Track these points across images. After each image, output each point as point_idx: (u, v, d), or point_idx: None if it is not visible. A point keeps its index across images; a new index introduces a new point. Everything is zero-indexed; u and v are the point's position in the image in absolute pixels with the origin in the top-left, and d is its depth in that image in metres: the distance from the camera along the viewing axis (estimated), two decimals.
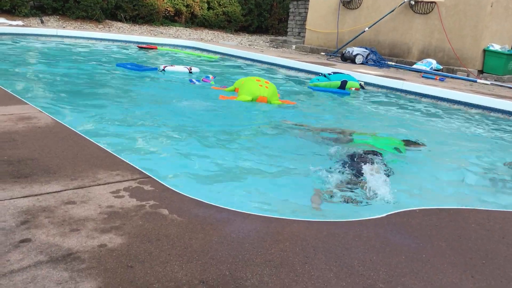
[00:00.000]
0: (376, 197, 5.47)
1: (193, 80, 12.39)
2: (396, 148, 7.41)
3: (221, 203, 4.69)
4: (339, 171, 6.10)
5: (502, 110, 12.05)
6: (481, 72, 18.11)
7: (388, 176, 6.05)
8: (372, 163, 6.30)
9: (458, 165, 7.18)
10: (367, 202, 5.40)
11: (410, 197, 5.70)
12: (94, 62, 13.56)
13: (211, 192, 5.35)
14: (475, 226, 4.73)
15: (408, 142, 7.97)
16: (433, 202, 5.66)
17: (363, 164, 6.23)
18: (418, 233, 4.49)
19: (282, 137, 7.79)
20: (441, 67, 18.28)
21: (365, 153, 6.70)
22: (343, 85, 13.04)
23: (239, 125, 8.41)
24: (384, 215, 4.82)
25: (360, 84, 13.62)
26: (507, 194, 6.20)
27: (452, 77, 17.21)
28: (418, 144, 8.03)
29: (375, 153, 6.75)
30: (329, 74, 13.41)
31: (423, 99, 13.25)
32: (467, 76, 17.81)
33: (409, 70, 18.15)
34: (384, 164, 6.39)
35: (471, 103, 12.52)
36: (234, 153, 6.71)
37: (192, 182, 5.58)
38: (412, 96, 13.50)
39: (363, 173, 6.01)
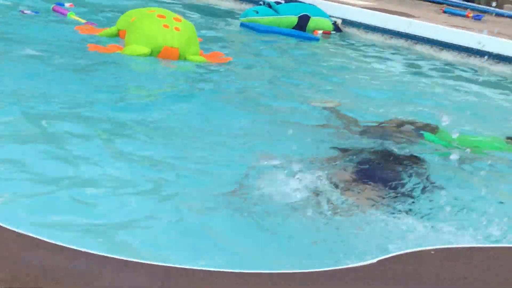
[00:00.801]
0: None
1: (25, 10, 7.74)
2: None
3: (77, 242, 2.66)
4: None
5: None
6: None
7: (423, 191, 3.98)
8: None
9: None
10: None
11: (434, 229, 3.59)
12: None
13: (54, 224, 3.14)
14: None
15: None
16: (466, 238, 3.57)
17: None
18: None
19: (207, 129, 4.87)
20: None
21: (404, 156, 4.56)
22: (303, 23, 8.85)
23: (123, 108, 5.12)
24: (374, 260, 2.84)
25: (333, 24, 9.26)
26: None
27: (496, 14, 11.66)
28: None
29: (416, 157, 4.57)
30: (277, 2, 8.96)
31: (446, 53, 8.91)
32: None
33: None
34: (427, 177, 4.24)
35: None
36: (102, 157, 4.03)
37: (19, 206, 3.28)
38: (427, 47, 9.13)
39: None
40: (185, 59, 6.62)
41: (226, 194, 3.70)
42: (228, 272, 2.64)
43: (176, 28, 6.59)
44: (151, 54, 6.51)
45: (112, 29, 7.14)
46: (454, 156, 4.58)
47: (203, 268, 2.61)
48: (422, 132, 5.25)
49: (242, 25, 8.88)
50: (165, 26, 6.56)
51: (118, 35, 7.05)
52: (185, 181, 3.87)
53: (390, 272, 2.78)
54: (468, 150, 4.82)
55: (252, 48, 8.16)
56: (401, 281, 2.71)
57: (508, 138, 5.42)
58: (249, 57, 7.60)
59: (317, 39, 8.79)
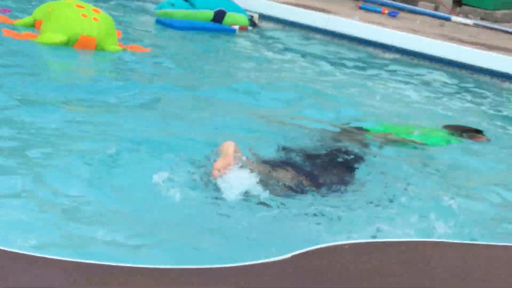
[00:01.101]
0: None
1: None
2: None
3: None
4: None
5: (496, 71, 8.07)
6: (458, 3, 12.52)
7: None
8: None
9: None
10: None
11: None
12: None
13: None
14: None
15: (458, 129, 5.47)
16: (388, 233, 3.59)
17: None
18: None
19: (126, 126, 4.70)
20: None
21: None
22: (219, 18, 8.68)
23: (37, 100, 4.98)
24: (288, 255, 2.81)
25: (250, 19, 9.02)
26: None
27: (410, 11, 11.69)
28: (477, 134, 5.48)
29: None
30: None
31: (363, 47, 8.97)
32: (436, 9, 12.14)
33: None
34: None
35: (440, 58, 8.42)
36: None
37: None
38: (343, 41, 9.12)
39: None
40: (102, 49, 6.50)
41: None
42: (142, 267, 2.58)
43: (95, 19, 6.46)
44: (67, 43, 6.35)
45: (29, 19, 6.89)
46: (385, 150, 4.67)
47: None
48: (363, 125, 5.31)
49: (158, 21, 8.60)
50: (84, 15, 6.44)
51: (34, 25, 6.82)
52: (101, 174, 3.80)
53: (304, 266, 2.76)
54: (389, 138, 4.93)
55: (169, 40, 8.02)
56: (314, 276, 2.69)
57: (445, 126, 5.56)
58: (166, 50, 7.49)
59: (233, 31, 8.71)
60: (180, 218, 3.41)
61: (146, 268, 2.58)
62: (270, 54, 8.08)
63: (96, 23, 6.43)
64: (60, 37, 6.26)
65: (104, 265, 2.55)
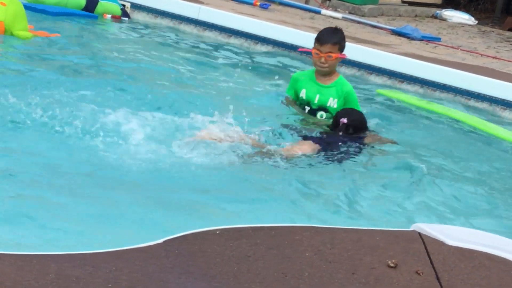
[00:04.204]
0: None
1: None
2: None
3: None
4: None
5: (363, 64, 8.36)
6: None
7: None
8: None
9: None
10: None
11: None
12: None
13: None
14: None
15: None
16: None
17: None
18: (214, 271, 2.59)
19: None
20: None
21: None
22: (91, 6, 8.58)
23: None
24: (161, 240, 2.81)
25: (122, 9, 8.96)
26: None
27: (281, 3, 11.88)
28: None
29: None
30: None
31: (234, 40, 9.01)
32: (306, 3, 12.41)
33: None
34: None
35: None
36: None
37: None
38: (215, 33, 9.13)
39: None
40: (11, 34, 6.68)
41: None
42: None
43: (2, 3, 6.56)
44: None
45: None
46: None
47: None
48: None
49: (28, 7, 8.23)
50: None
51: None
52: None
53: (176, 251, 2.76)
54: None
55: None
56: (186, 260, 2.70)
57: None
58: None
59: (95, 17, 8.66)
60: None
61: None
62: (139, 45, 8.02)
63: (3, 7, 6.52)
64: None
65: None
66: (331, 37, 5.50)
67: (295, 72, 6.48)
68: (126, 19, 9.09)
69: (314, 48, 5.51)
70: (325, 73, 5.59)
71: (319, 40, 5.50)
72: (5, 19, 6.53)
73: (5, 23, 6.55)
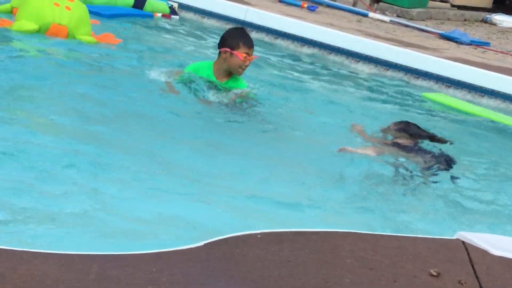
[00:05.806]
0: None
1: None
2: None
3: None
4: None
5: (409, 68, 8.19)
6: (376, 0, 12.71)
7: None
8: None
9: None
10: None
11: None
12: None
13: None
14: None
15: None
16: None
17: None
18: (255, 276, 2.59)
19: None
20: None
21: None
22: (139, 5, 8.59)
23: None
24: (201, 243, 2.82)
25: (170, 7, 8.96)
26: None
27: (329, 5, 11.71)
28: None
29: None
30: None
31: (280, 41, 8.96)
32: (354, 5, 12.23)
33: None
34: None
35: (358, 53, 8.43)
36: None
37: None
38: (262, 35, 8.99)
39: None
40: (74, 38, 6.70)
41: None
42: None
43: (67, 7, 6.65)
44: (39, 30, 6.55)
45: (6, 6, 7.08)
46: None
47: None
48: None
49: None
50: (56, 4, 6.61)
51: (11, 12, 6.98)
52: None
53: (216, 254, 2.77)
54: None
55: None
56: (226, 264, 2.70)
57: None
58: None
59: (150, 15, 8.68)
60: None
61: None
62: (190, 44, 8.05)
63: (67, 12, 6.62)
64: (31, 25, 6.50)
65: None
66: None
67: None
68: (177, 17, 9.12)
69: (240, 52, 5.36)
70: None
71: (248, 43, 5.44)
72: (68, 23, 6.61)
73: (68, 27, 6.62)
